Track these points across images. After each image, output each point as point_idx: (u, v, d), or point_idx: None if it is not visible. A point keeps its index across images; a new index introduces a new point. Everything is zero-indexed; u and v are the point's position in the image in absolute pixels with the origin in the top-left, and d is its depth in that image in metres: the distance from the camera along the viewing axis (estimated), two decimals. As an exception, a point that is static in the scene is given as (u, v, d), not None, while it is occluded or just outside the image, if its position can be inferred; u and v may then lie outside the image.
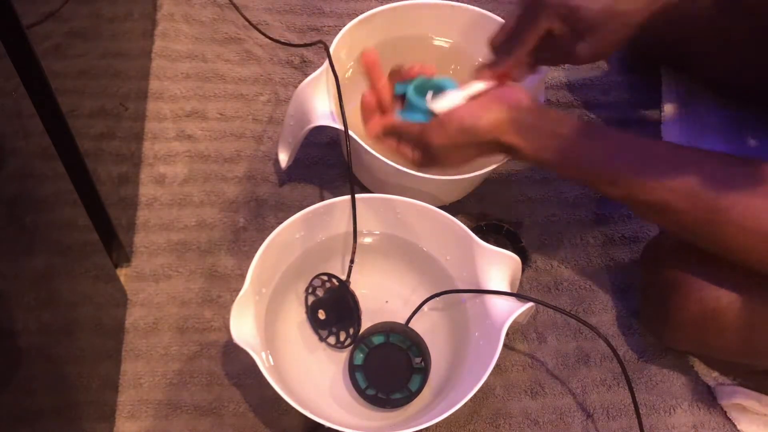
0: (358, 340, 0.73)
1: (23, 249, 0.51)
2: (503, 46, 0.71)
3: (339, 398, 0.73)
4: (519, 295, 0.72)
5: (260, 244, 0.70)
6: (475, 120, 0.66)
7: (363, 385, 0.72)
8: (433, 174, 0.75)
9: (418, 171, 0.75)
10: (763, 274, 0.63)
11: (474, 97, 0.70)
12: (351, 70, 0.87)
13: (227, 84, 0.96)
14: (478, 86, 0.70)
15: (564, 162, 0.66)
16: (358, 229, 0.75)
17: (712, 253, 0.64)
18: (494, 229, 0.88)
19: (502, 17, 0.88)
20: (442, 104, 0.69)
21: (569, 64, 0.74)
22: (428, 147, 0.69)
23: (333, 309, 0.74)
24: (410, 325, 0.75)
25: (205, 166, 0.89)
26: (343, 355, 0.75)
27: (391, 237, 0.80)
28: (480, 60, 0.73)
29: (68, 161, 0.59)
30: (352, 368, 0.72)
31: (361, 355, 0.72)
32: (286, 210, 0.86)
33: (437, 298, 0.75)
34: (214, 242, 0.84)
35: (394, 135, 0.72)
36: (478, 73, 0.72)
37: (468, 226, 0.75)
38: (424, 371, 0.72)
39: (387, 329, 0.73)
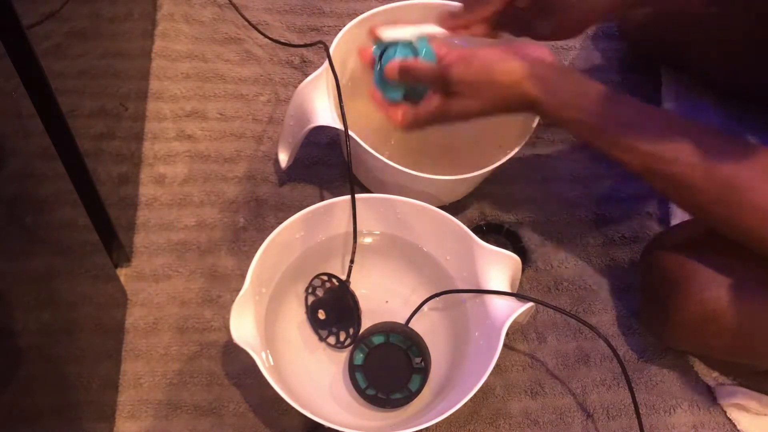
0: (358, 340, 0.73)
1: (23, 249, 0.51)
2: (473, 2, 0.73)
3: (339, 398, 0.73)
4: (519, 295, 0.72)
5: (260, 244, 0.70)
6: (499, 61, 0.66)
7: (363, 385, 0.72)
8: (456, 120, 0.72)
9: (436, 122, 0.72)
10: None
11: (428, 38, 0.72)
12: (351, 71, 0.87)
13: (227, 84, 0.96)
14: (433, 28, 0.73)
15: (583, 123, 0.65)
16: (358, 229, 0.75)
17: (726, 235, 0.64)
18: (494, 229, 0.88)
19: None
20: (392, 33, 0.71)
21: (528, 37, 0.74)
22: (448, 83, 0.68)
23: (333, 309, 0.74)
24: (410, 325, 0.74)
25: (205, 166, 0.89)
26: (343, 355, 0.75)
27: (391, 237, 0.80)
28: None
29: (68, 161, 0.59)
30: (352, 368, 0.72)
31: (361, 355, 0.72)
32: (286, 210, 0.86)
33: (437, 298, 0.75)
34: (214, 242, 0.84)
35: (404, 75, 0.71)
36: (440, 19, 0.74)
37: (468, 226, 0.75)
38: (424, 371, 0.71)
39: (387, 329, 0.73)
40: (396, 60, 0.72)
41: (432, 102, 0.70)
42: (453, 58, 0.68)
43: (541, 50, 0.69)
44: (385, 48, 0.74)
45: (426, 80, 0.71)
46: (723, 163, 0.61)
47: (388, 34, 0.72)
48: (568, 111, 0.65)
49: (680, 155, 0.62)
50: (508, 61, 0.66)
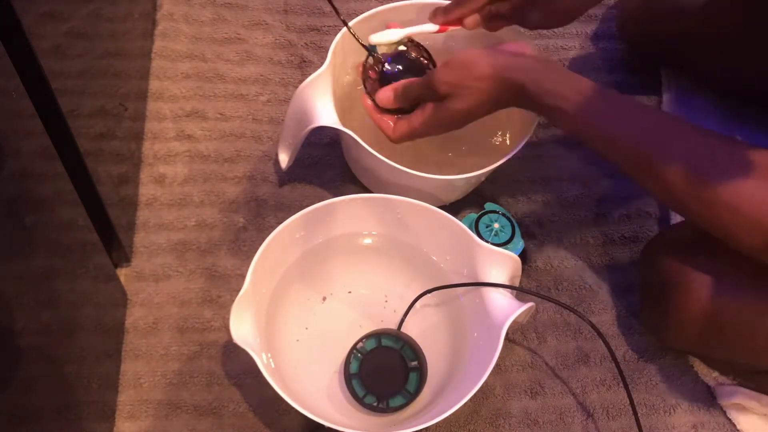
0: (351, 349, 0.73)
1: (23, 249, 0.51)
2: None
3: (339, 397, 0.73)
4: (519, 288, 0.72)
5: (260, 244, 0.70)
6: (480, 57, 0.68)
7: (361, 393, 0.71)
8: (450, 126, 0.74)
9: (430, 130, 0.74)
10: (753, 258, 0.62)
11: (414, 38, 0.75)
12: (351, 71, 0.87)
13: (227, 84, 0.96)
14: (423, 27, 0.75)
15: (565, 112, 0.66)
16: (358, 230, 0.75)
17: (708, 232, 0.64)
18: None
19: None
20: (380, 37, 0.74)
21: (519, 26, 0.76)
22: (435, 91, 0.69)
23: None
24: (410, 326, 0.74)
25: (205, 166, 0.89)
26: (343, 355, 0.75)
27: (391, 237, 0.80)
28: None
29: (68, 161, 0.59)
30: (348, 377, 0.72)
31: (356, 363, 0.72)
32: (286, 210, 0.86)
33: (437, 298, 0.75)
34: (214, 242, 0.84)
35: (400, 98, 0.73)
36: (432, 15, 0.76)
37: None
38: (420, 370, 0.71)
39: (377, 333, 0.73)
40: (387, 89, 0.74)
41: (423, 110, 0.72)
42: (436, 69, 0.70)
43: (522, 46, 0.70)
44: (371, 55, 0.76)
45: (418, 92, 0.72)
46: (702, 161, 0.61)
47: (379, 37, 0.74)
48: (552, 98, 0.66)
49: (657, 152, 0.62)
50: (489, 56, 0.68)
